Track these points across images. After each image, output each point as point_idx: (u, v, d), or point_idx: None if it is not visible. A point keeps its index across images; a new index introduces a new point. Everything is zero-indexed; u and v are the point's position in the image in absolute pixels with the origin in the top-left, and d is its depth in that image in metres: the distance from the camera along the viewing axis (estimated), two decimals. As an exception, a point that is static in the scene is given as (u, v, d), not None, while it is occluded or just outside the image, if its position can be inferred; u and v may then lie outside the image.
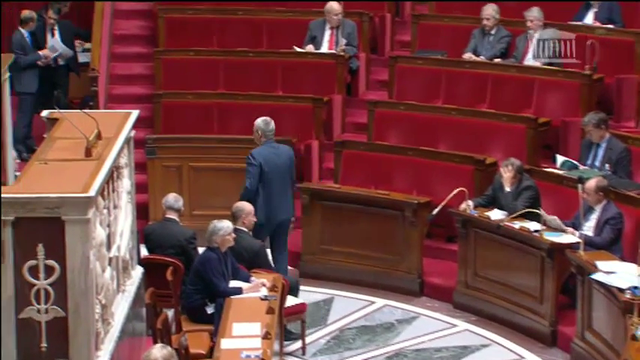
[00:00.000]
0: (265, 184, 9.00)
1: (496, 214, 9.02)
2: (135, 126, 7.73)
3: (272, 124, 9.18)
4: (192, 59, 11.45)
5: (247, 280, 8.09)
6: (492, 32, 10.94)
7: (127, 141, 7.55)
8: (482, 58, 10.89)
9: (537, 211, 8.74)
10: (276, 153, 9.14)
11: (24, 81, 11.53)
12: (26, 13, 11.81)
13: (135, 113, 7.80)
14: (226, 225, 8.05)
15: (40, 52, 11.67)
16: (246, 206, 8.60)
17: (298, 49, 11.41)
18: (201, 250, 8.43)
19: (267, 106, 10.89)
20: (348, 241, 9.71)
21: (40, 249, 6.15)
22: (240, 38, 11.71)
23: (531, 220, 8.79)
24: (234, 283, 8.05)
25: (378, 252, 9.62)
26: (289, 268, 9.49)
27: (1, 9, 11.65)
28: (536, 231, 8.65)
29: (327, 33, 11.40)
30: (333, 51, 11.32)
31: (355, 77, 11.50)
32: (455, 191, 9.08)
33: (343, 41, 11.28)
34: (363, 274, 9.65)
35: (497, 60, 10.85)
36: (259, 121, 9.21)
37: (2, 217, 6.09)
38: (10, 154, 8.66)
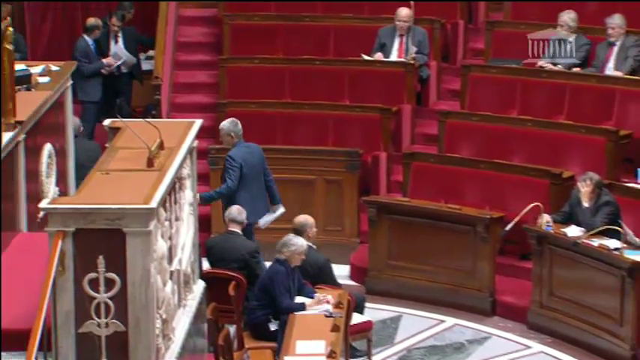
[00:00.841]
0: (246, 185, 8.97)
1: (573, 231, 8.89)
2: (198, 136, 7.76)
3: (239, 124, 9.16)
4: (256, 67, 11.51)
5: (312, 297, 8.08)
6: (570, 40, 10.82)
7: (190, 151, 7.59)
8: (559, 67, 10.78)
9: (618, 227, 8.60)
10: (251, 152, 9.19)
11: (87, 89, 11.70)
12: (91, 20, 11.97)
13: (198, 122, 7.84)
14: (301, 243, 8.06)
15: (104, 60, 11.83)
16: (309, 219, 8.60)
17: (366, 57, 11.39)
18: (265, 264, 8.45)
19: (333, 115, 10.89)
20: (416, 257, 9.65)
21: (101, 261, 6.20)
22: (306, 46, 11.74)
23: (610, 237, 8.66)
24: (298, 299, 8.05)
25: (448, 269, 9.55)
26: (356, 284, 9.46)
27: (23, 15, 11.83)
28: (616, 249, 8.51)
29: (397, 40, 11.37)
30: (402, 59, 11.28)
31: (425, 86, 11.45)
32: (529, 206, 8.98)
33: (413, 49, 11.24)
34: (433, 292, 9.58)
35: (575, 69, 10.73)
36: (227, 124, 9.23)
37: (63, 228, 6.15)
38: (72, 163, 8.80)
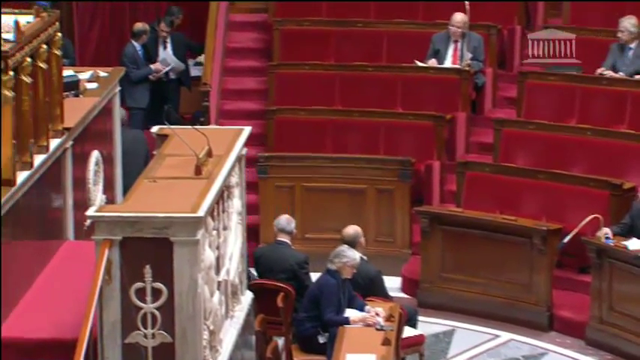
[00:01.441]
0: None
1: (634, 244, 8.80)
2: (246, 143, 7.80)
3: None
4: (307, 73, 11.53)
5: (362, 309, 8.07)
6: (632, 46, 10.71)
7: (238, 159, 7.62)
8: (621, 75, 10.67)
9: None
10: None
11: (135, 95, 11.80)
12: (139, 25, 12.07)
13: (247, 130, 7.88)
14: (353, 255, 8.06)
15: (152, 66, 11.92)
16: (358, 230, 8.59)
17: (420, 64, 11.37)
18: (313, 275, 8.45)
19: (385, 123, 10.88)
20: (470, 269, 9.60)
21: (148, 271, 6.24)
22: (358, 52, 11.73)
23: (673, 251, 8.55)
24: (349, 312, 8.04)
25: (503, 282, 9.48)
26: (407, 297, 9.43)
27: (71, 20, 11.95)
28: (678, 263, 8.40)
29: (452, 46, 11.33)
30: (457, 66, 11.24)
31: (481, 94, 11.39)
32: (588, 218, 8.89)
33: (468, 55, 11.19)
34: (487, 305, 9.52)
35: (637, 77, 10.62)
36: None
37: (110, 237, 6.20)
38: (119, 170, 8.88)
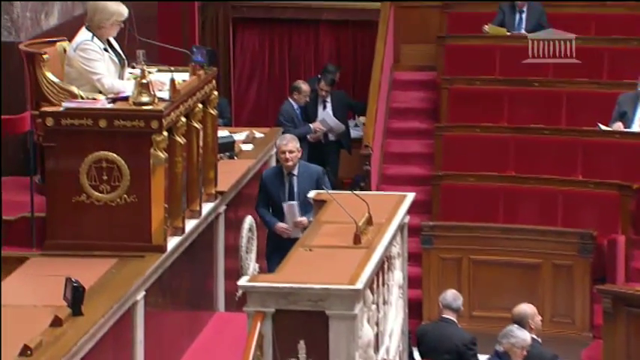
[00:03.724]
0: None
1: None
2: (410, 211, 7.87)
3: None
4: (477, 136, 11.54)
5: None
6: None
7: (401, 228, 7.69)
8: None
9: None
10: None
11: (291, 157, 12.00)
12: (299, 83, 12.31)
13: (410, 196, 7.95)
14: (523, 336, 7.99)
15: (311, 125, 12.11)
16: (530, 308, 8.51)
17: (604, 127, 11.27)
18: (481, 357, 8.42)
19: (563, 191, 10.79)
20: (659, 358, 9.37)
21: (302, 346, 6.32)
22: (534, 113, 11.70)
23: None
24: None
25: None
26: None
27: (228, 78, 12.25)
28: None
29: (640, 108, 11.21)
30: (645, 129, 11.11)
31: (672, 161, 11.21)
32: None
33: (659, 118, 11.05)
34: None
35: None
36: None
37: (262, 309, 6.33)
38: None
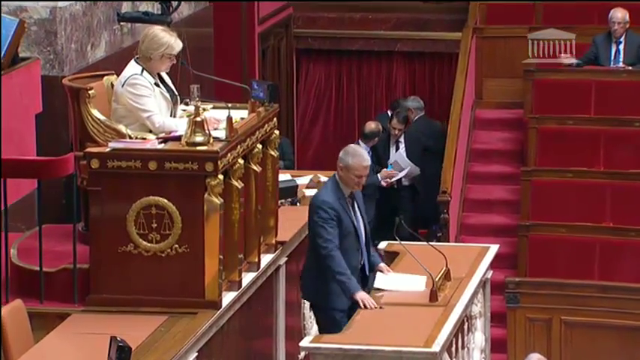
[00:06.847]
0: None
1: None
2: (493, 265, 7.88)
3: None
4: (569, 182, 11.51)
5: None
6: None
7: (482, 284, 7.69)
8: None
9: None
10: None
11: (359, 204, 12.01)
12: (372, 126, 12.04)
13: (493, 249, 7.95)
14: None
15: (379, 175, 11.90)
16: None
17: None
18: None
19: (666, 245, 10.74)
20: None
21: (370, 414, 6.36)
22: (634, 156, 11.64)
23: None
24: None
25: None
26: None
27: (292, 116, 12.30)
28: None
29: None
30: None
31: None
32: None
33: None
34: None
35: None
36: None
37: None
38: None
